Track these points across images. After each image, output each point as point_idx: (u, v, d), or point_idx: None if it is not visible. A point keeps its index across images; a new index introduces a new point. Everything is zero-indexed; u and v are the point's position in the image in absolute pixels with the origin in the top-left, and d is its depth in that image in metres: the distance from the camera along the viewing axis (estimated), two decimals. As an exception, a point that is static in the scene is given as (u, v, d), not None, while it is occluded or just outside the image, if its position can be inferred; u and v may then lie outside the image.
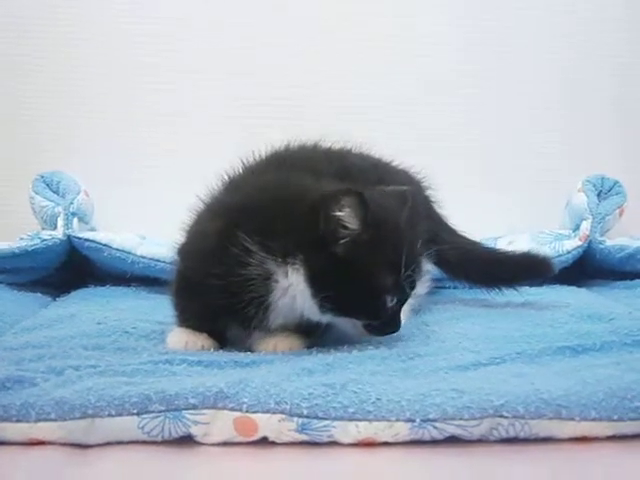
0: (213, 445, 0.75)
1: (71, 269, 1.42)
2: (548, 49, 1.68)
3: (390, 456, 0.74)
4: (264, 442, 0.75)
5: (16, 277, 1.33)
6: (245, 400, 0.75)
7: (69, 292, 1.37)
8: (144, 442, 0.75)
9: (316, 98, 1.62)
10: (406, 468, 0.73)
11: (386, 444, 0.75)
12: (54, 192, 1.43)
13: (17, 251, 1.30)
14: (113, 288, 1.35)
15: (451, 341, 1.01)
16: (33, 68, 1.61)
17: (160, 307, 1.17)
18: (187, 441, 0.76)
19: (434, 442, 0.74)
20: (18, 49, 1.61)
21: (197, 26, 1.63)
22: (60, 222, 1.35)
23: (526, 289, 1.30)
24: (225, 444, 0.75)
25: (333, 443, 0.75)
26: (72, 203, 1.37)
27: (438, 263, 1.20)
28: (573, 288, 1.38)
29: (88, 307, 1.21)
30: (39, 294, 1.33)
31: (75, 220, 1.36)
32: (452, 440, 0.74)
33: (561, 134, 1.67)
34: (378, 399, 0.76)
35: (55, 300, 1.34)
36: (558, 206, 1.57)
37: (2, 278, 1.31)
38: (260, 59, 1.62)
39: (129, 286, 1.37)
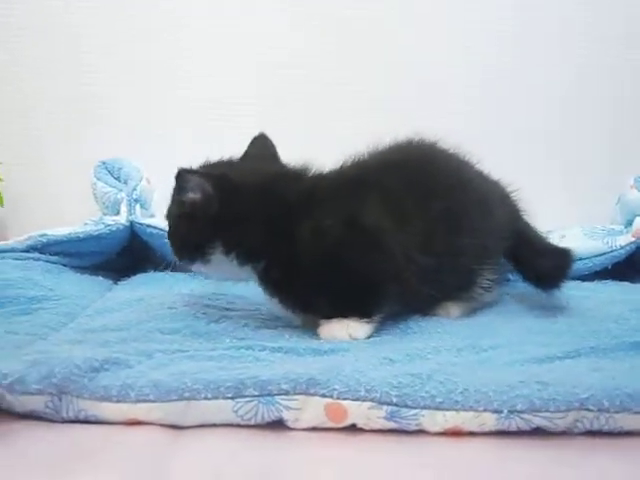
0: (303, 430, 0.78)
1: (130, 254, 1.44)
2: (598, 48, 1.68)
3: (475, 445, 0.76)
4: (352, 428, 0.77)
5: (79, 261, 1.35)
6: (336, 387, 0.77)
7: (129, 276, 1.39)
8: (237, 425, 0.78)
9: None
10: (491, 456, 0.75)
11: (471, 433, 0.77)
12: (115, 178, 1.45)
13: (82, 236, 1.32)
14: (171, 273, 1.37)
15: (518, 335, 1.02)
16: (98, 54, 1.64)
17: (219, 293, 1.20)
18: (278, 425, 0.78)
19: (518, 432, 0.76)
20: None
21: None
22: (123, 208, 1.37)
23: (579, 284, 1.32)
24: (314, 429, 0.78)
25: (420, 431, 0.77)
26: (135, 190, 1.40)
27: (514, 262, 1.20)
28: (626, 284, 1.38)
29: (153, 291, 1.23)
30: (101, 277, 1.36)
31: (137, 206, 1.38)
32: (536, 431, 0.76)
33: (611, 129, 1.67)
34: (465, 389, 0.78)
35: (116, 284, 1.36)
36: (608, 202, 1.58)
37: (67, 261, 1.33)
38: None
39: (186, 272, 1.38)
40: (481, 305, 1.16)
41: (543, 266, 1.16)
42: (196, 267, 1.06)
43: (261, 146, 1.13)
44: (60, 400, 0.78)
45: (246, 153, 1.12)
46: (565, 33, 1.69)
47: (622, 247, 1.39)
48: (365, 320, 1.02)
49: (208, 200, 1.00)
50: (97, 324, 1.04)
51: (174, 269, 1.31)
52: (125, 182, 1.43)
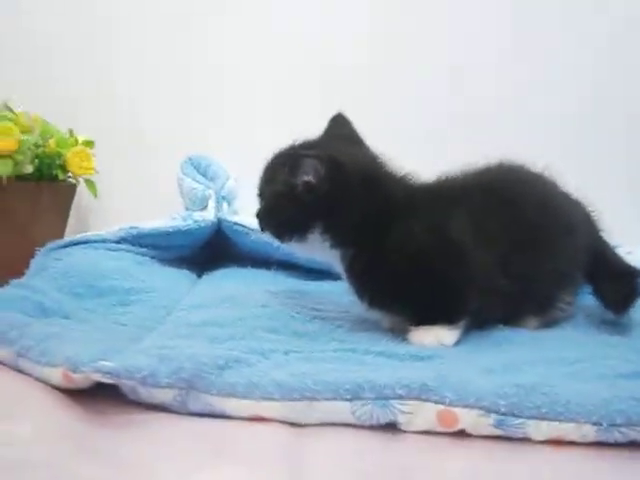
0: (414, 433, 0.83)
1: (212, 248, 1.50)
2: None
3: (576, 454, 0.80)
4: (461, 433, 0.82)
5: (166, 253, 1.41)
6: (448, 395, 0.82)
7: (210, 270, 1.45)
8: (354, 425, 0.82)
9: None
10: (593, 465, 0.80)
11: (572, 443, 0.82)
12: (202, 175, 1.51)
13: (172, 230, 1.38)
14: (254, 270, 1.43)
15: (599, 349, 1.06)
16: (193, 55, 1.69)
17: (306, 293, 1.26)
18: (391, 428, 0.83)
19: (615, 444, 0.81)
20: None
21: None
22: (211, 204, 1.43)
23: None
24: (426, 432, 0.83)
25: (524, 439, 0.82)
26: (223, 187, 1.45)
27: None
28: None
29: (241, 288, 1.29)
30: (186, 271, 1.42)
31: (225, 204, 1.44)
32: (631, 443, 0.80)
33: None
34: (568, 401, 0.82)
35: (200, 277, 1.42)
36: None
37: (155, 254, 1.39)
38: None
39: (268, 269, 1.44)
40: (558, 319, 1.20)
41: (613, 293, 1.20)
42: (290, 243, 1.11)
43: (342, 126, 1.18)
44: (187, 394, 0.83)
45: (327, 132, 1.17)
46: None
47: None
48: (451, 326, 1.07)
49: (320, 182, 1.05)
50: (198, 319, 1.09)
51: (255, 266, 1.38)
52: (212, 179, 1.49)
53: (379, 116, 1.70)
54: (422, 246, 1.07)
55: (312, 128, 1.16)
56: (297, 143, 1.14)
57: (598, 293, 1.23)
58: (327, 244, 1.09)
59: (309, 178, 1.05)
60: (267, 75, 1.76)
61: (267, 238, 1.32)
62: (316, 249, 1.11)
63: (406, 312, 1.09)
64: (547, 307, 1.18)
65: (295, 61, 1.77)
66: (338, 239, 1.09)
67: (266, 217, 1.13)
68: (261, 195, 1.14)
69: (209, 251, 1.50)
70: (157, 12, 1.77)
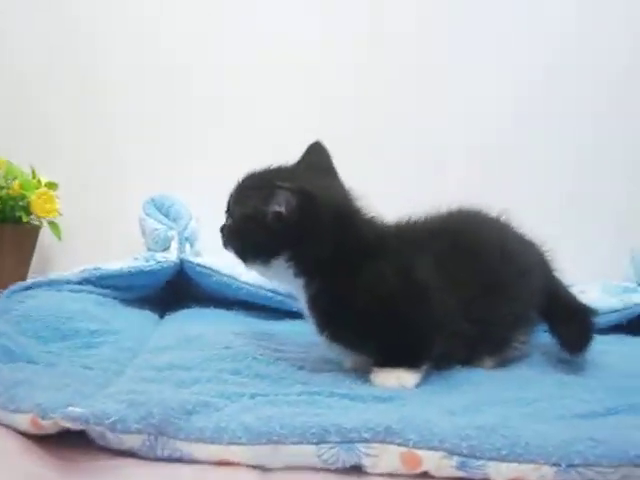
0: (379, 475, 0.85)
1: (172, 288, 1.51)
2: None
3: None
4: (424, 475, 0.85)
5: (128, 294, 1.42)
6: (412, 437, 0.84)
7: (172, 310, 1.46)
8: (320, 468, 0.84)
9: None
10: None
11: (531, 483, 0.84)
12: (164, 215, 1.52)
13: (134, 271, 1.39)
14: (216, 310, 1.44)
15: (556, 388, 1.09)
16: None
17: (268, 334, 1.27)
18: (356, 470, 0.85)
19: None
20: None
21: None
22: (174, 245, 1.45)
23: (597, 337, 1.40)
24: (390, 475, 0.85)
25: (485, 480, 0.85)
26: (186, 229, 1.47)
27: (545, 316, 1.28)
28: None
29: (204, 328, 1.30)
30: (148, 311, 1.42)
31: (187, 245, 1.45)
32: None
33: (629, 189, 1.78)
34: (527, 443, 0.84)
35: (162, 317, 1.43)
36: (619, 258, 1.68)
37: (116, 294, 1.40)
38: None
39: (229, 309, 1.45)
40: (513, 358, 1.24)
41: (568, 333, 1.25)
42: (253, 267, 1.14)
43: (318, 155, 1.20)
44: (156, 439, 0.84)
45: (303, 160, 1.19)
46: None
47: (637, 304, 1.48)
48: (414, 369, 1.09)
49: (290, 214, 1.07)
50: (163, 362, 1.10)
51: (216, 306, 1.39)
52: (174, 219, 1.50)
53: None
54: (390, 288, 1.09)
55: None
56: (272, 168, 1.15)
57: (554, 333, 1.27)
58: (291, 271, 1.10)
59: (280, 209, 1.07)
60: (229, 113, 1.78)
61: (227, 279, 1.35)
62: (279, 275, 1.13)
63: (368, 351, 1.11)
64: (503, 347, 1.22)
65: (259, 99, 1.79)
66: (303, 268, 1.10)
67: (232, 237, 1.14)
68: (229, 212, 1.15)
69: (170, 291, 1.51)
70: (129, 48, 1.79)
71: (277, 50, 1.80)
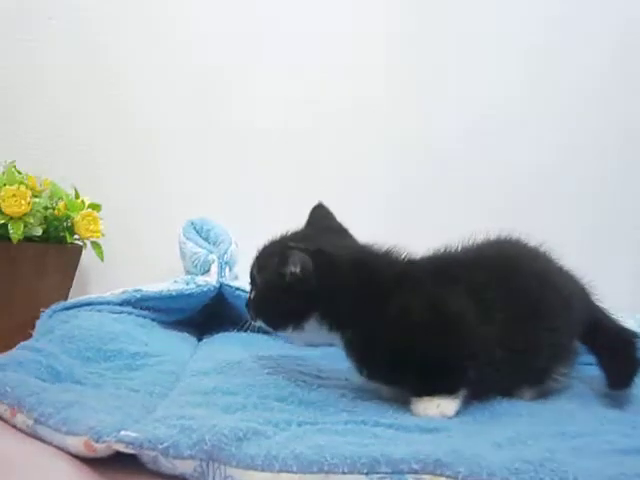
0: (427, 505, 0.85)
1: (209, 312, 1.52)
2: None
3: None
4: (472, 507, 0.85)
5: (165, 317, 1.43)
6: (461, 470, 0.84)
7: (209, 333, 1.47)
8: (370, 498, 0.85)
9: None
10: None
11: (579, 520, 0.84)
12: (204, 239, 1.54)
13: (175, 294, 1.40)
14: (254, 334, 1.45)
15: (596, 423, 1.09)
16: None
17: (306, 359, 1.28)
18: (405, 500, 0.85)
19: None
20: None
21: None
22: (214, 269, 1.46)
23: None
24: (438, 506, 0.85)
25: (533, 514, 0.85)
26: (226, 253, 1.48)
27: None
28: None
29: (245, 353, 1.31)
30: (186, 334, 1.43)
31: (227, 268, 1.46)
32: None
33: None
34: (575, 478, 0.85)
35: (200, 340, 1.44)
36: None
37: (155, 316, 1.41)
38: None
39: (267, 333, 1.46)
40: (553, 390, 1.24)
41: (614, 367, 1.24)
42: (286, 333, 1.15)
43: (324, 217, 1.24)
44: (207, 466, 0.85)
45: (311, 223, 1.23)
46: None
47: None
48: (452, 396, 1.10)
49: (309, 275, 1.09)
50: (207, 386, 1.11)
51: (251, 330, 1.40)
52: (214, 243, 1.52)
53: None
54: (415, 322, 1.11)
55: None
56: (287, 234, 1.20)
57: (600, 365, 1.26)
58: (325, 328, 1.13)
59: (296, 269, 1.10)
60: (271, 141, 1.81)
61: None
62: (314, 335, 1.15)
63: (405, 384, 1.12)
64: (543, 378, 1.22)
65: (299, 124, 1.82)
66: (336, 323, 1.13)
67: (259, 307, 1.17)
68: (252, 283, 1.19)
69: (207, 314, 1.52)
70: (168, 72, 1.82)
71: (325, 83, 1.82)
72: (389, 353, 1.10)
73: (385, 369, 1.12)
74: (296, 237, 1.18)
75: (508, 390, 1.20)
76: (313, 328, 1.13)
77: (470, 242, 1.24)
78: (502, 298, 1.16)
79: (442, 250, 1.22)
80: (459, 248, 1.23)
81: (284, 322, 1.14)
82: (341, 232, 1.23)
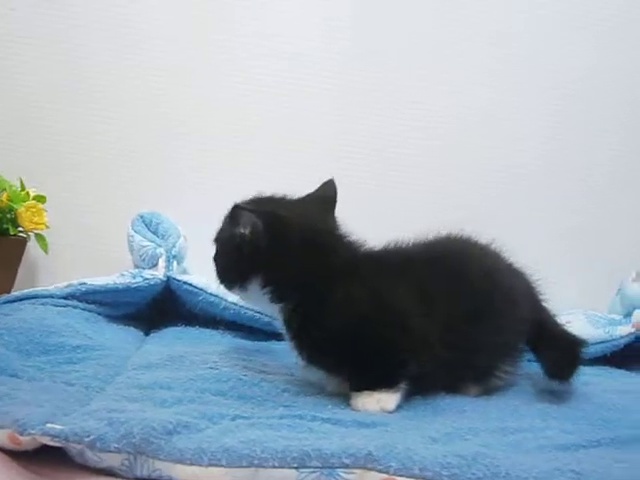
0: (358, 500, 0.84)
1: (158, 306, 1.50)
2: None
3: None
4: (404, 503, 0.84)
5: (113, 310, 1.41)
6: (392, 464, 0.83)
7: (157, 328, 1.46)
8: (300, 493, 0.84)
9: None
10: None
11: (511, 515, 0.84)
12: (152, 232, 1.52)
13: (121, 287, 1.39)
14: (202, 329, 1.44)
15: (539, 419, 1.08)
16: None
17: (253, 354, 1.27)
18: (336, 495, 0.84)
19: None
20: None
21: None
22: (161, 263, 1.44)
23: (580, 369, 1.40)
24: (370, 501, 0.84)
25: (464, 510, 0.84)
26: (174, 246, 1.47)
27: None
28: (623, 372, 1.47)
29: (189, 348, 1.29)
30: (132, 328, 1.42)
31: (175, 262, 1.45)
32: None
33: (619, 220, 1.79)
34: (507, 474, 0.84)
35: (147, 335, 1.42)
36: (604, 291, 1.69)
37: (101, 310, 1.39)
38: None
39: (216, 329, 1.45)
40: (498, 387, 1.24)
41: (555, 361, 1.24)
42: (233, 292, 1.16)
43: (324, 191, 1.23)
44: (135, 459, 0.84)
45: (309, 195, 1.22)
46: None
47: (622, 337, 1.48)
48: (391, 391, 1.09)
49: (257, 236, 1.09)
50: (146, 380, 1.10)
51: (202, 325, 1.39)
52: (162, 237, 1.50)
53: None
54: (360, 311, 1.10)
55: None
56: (261, 196, 1.18)
57: (541, 360, 1.26)
58: (267, 297, 1.13)
59: (245, 231, 1.09)
60: (221, 133, 1.79)
61: (214, 298, 1.35)
62: (257, 300, 1.16)
63: (344, 374, 1.12)
64: (488, 376, 1.21)
65: (252, 115, 1.80)
66: (277, 293, 1.12)
67: (215, 264, 1.17)
68: (215, 241, 1.18)
69: (155, 308, 1.50)
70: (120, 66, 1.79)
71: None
72: (328, 338, 1.09)
73: (322, 354, 1.11)
74: (264, 200, 1.17)
75: (453, 386, 1.19)
76: (257, 293, 1.13)
77: (422, 237, 1.23)
78: (448, 294, 1.15)
79: (393, 244, 1.21)
80: (411, 243, 1.22)
81: (231, 281, 1.15)
82: (323, 205, 1.21)
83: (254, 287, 1.12)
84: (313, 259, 1.11)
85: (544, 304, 1.30)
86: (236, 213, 1.09)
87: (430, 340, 1.11)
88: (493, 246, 1.27)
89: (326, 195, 1.22)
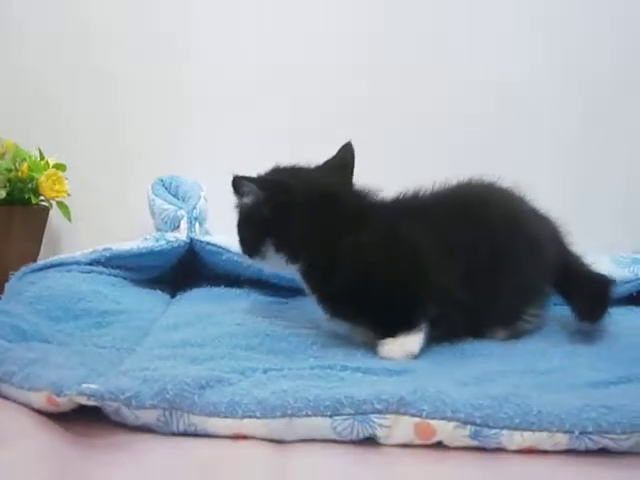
0: (393, 446, 0.85)
1: (183, 268, 1.51)
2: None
3: (549, 462, 0.84)
4: (438, 445, 0.85)
5: (138, 274, 1.42)
6: (425, 408, 0.85)
7: (183, 290, 1.47)
8: (334, 440, 0.85)
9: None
10: (564, 473, 0.83)
11: (545, 451, 0.85)
12: (173, 195, 1.52)
13: (144, 251, 1.39)
14: (227, 289, 1.45)
15: (568, 359, 1.09)
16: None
17: (280, 311, 1.28)
18: (370, 441, 0.85)
19: (587, 451, 0.84)
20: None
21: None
22: (183, 225, 1.45)
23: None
24: (404, 445, 0.85)
25: (499, 449, 0.85)
26: (195, 208, 1.47)
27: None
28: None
29: (216, 308, 1.30)
30: (159, 291, 1.43)
31: (197, 224, 1.45)
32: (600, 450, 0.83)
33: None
34: (539, 411, 0.85)
35: (173, 297, 1.43)
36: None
37: (127, 275, 1.40)
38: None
39: (240, 287, 1.46)
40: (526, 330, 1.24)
41: (584, 302, 1.24)
42: (255, 261, 1.17)
43: (340, 157, 1.23)
44: (171, 415, 0.85)
45: (326, 162, 1.22)
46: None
47: (646, 276, 1.47)
48: (413, 332, 1.10)
49: (259, 205, 1.10)
50: (176, 339, 1.11)
51: (227, 285, 1.40)
52: (183, 199, 1.51)
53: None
54: (369, 256, 1.11)
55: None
56: (277, 167, 1.19)
57: (570, 303, 1.26)
58: (283, 260, 1.14)
59: (247, 200, 1.12)
60: (236, 96, 1.79)
61: (237, 257, 1.35)
62: (277, 265, 1.17)
63: (366, 322, 1.13)
64: (514, 320, 1.21)
65: (269, 80, 1.80)
66: (292, 255, 1.14)
67: (237, 234, 1.19)
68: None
69: (180, 271, 1.51)
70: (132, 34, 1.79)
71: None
72: (344, 288, 1.11)
73: (344, 306, 1.13)
74: (277, 170, 1.19)
75: (480, 331, 1.19)
76: (273, 258, 1.15)
77: (442, 185, 1.22)
78: (469, 238, 1.15)
79: (411, 192, 1.21)
80: (429, 191, 1.21)
81: (250, 249, 1.17)
82: (342, 171, 1.21)
83: (270, 253, 1.14)
84: (320, 218, 1.13)
85: (570, 247, 1.29)
86: (237, 183, 1.11)
87: (448, 281, 1.11)
88: (516, 190, 1.25)
89: (342, 161, 1.22)
